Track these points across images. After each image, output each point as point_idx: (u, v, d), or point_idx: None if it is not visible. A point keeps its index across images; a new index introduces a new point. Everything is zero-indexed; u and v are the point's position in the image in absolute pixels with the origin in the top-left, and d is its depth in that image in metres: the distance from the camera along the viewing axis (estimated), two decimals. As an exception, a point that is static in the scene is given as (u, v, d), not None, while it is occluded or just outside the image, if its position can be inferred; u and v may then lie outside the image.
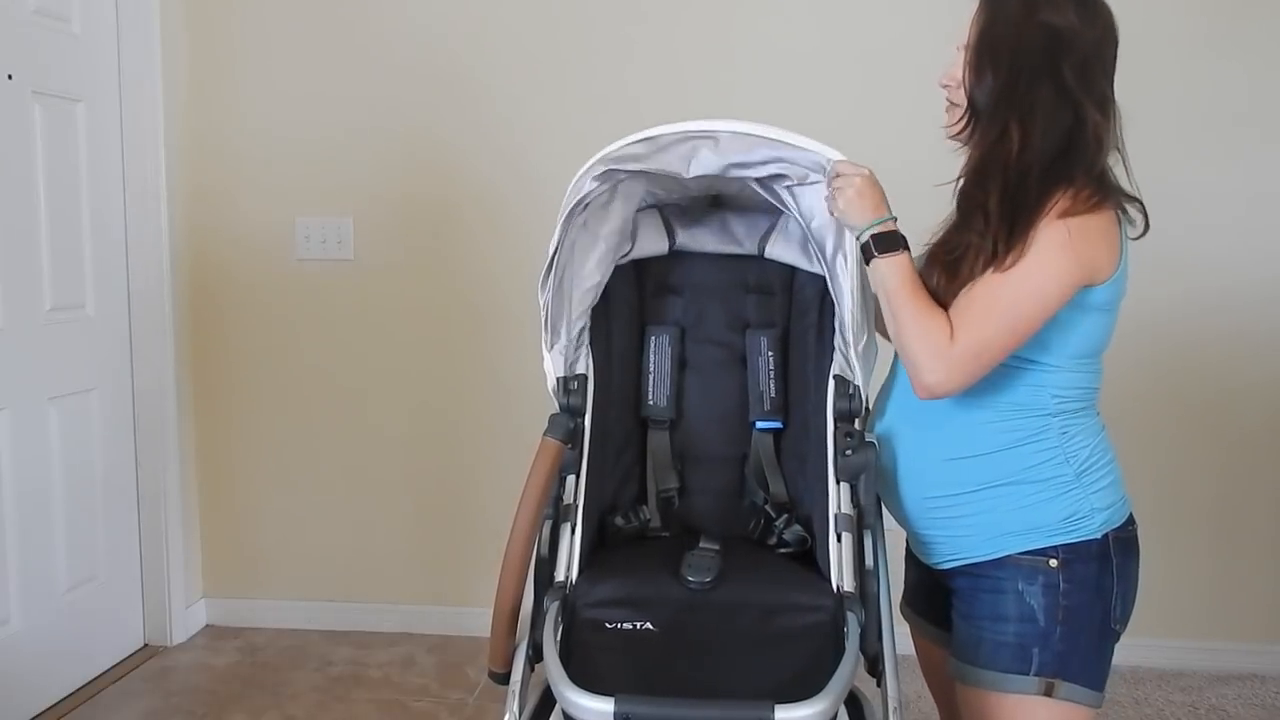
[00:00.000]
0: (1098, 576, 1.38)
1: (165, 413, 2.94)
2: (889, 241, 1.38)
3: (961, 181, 1.42)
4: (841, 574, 1.38)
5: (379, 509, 3.07)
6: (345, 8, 2.94)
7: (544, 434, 1.44)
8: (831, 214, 1.44)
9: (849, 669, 1.20)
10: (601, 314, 1.61)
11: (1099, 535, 1.38)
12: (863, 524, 1.42)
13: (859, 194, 1.39)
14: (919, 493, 1.46)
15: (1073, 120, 1.34)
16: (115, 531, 2.86)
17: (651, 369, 1.67)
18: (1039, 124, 1.34)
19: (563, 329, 1.54)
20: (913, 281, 1.37)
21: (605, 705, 1.12)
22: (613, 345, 1.65)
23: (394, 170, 2.95)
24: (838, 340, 1.49)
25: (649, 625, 1.33)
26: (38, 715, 2.56)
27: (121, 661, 2.87)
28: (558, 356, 1.55)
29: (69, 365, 2.67)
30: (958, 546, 1.44)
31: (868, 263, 1.40)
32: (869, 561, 1.40)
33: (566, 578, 1.43)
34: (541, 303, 1.52)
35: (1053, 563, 1.37)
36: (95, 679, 2.76)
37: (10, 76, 2.44)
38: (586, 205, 1.49)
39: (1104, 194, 1.33)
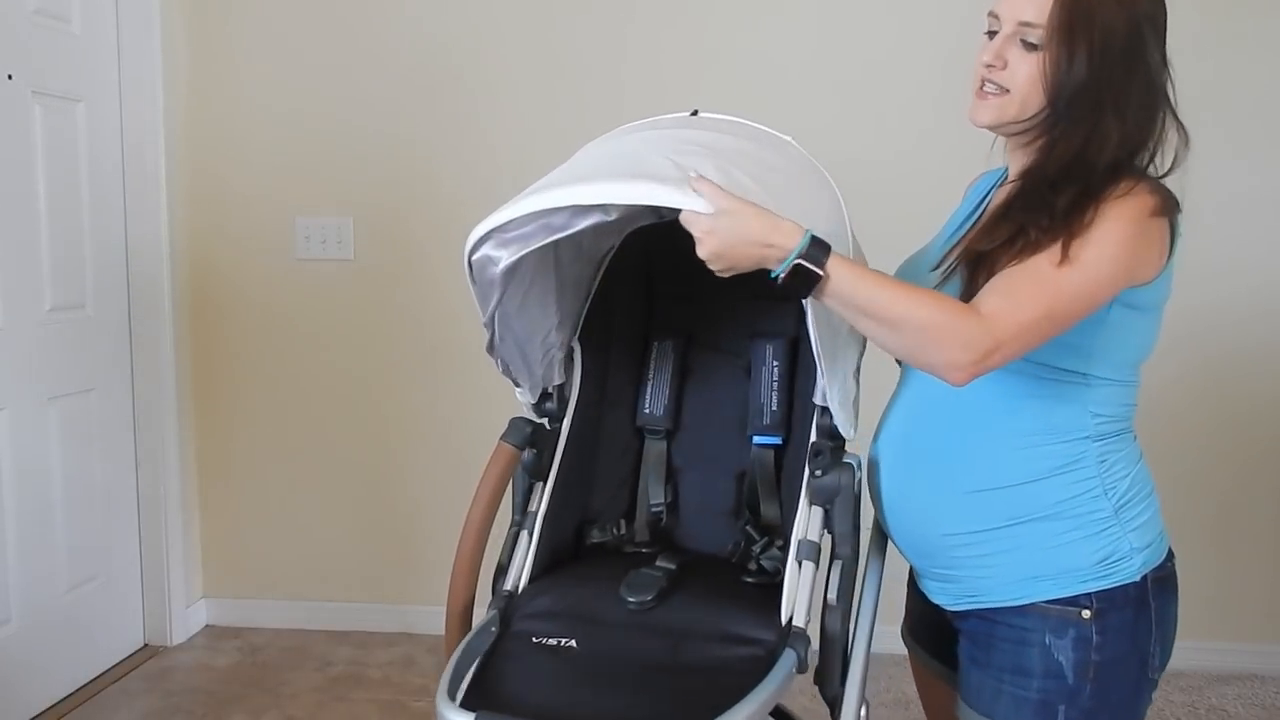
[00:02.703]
0: (1134, 625, 1.23)
1: (165, 413, 2.94)
2: (817, 256, 1.10)
3: (1023, 181, 1.26)
4: (794, 606, 1.26)
5: (379, 509, 3.07)
6: (345, 8, 2.94)
7: (500, 438, 1.42)
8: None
9: (751, 705, 1.11)
10: (604, 321, 1.57)
11: (1137, 578, 1.23)
12: (834, 553, 1.31)
13: (729, 245, 1.11)
14: (936, 529, 1.30)
15: (1156, 113, 1.23)
16: (115, 531, 2.86)
17: (651, 376, 1.61)
18: (1131, 119, 1.21)
19: (525, 377, 1.48)
20: (873, 275, 1.15)
21: (464, 719, 1.11)
22: (611, 352, 1.61)
23: (394, 170, 2.95)
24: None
25: (572, 643, 1.28)
26: (38, 715, 2.56)
27: (121, 661, 2.87)
28: (526, 393, 1.50)
29: (69, 365, 2.67)
30: (976, 589, 1.28)
31: (805, 295, 1.14)
32: (832, 596, 1.28)
33: (515, 586, 1.40)
34: (499, 367, 1.44)
35: (1085, 614, 1.21)
36: (95, 679, 2.76)
37: (10, 76, 2.44)
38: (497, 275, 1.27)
39: (1168, 197, 1.21)
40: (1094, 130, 1.20)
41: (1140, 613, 1.23)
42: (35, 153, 2.54)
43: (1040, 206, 1.18)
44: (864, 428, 1.40)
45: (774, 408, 1.53)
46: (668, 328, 1.64)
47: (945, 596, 1.33)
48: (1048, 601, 1.22)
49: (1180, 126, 1.25)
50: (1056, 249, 1.14)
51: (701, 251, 1.12)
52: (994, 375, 1.20)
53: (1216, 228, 2.74)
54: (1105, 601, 1.21)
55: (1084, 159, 1.20)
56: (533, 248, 1.20)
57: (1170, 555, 1.29)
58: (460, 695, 1.19)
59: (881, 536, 1.42)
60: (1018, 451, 1.24)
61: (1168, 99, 1.24)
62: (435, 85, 2.92)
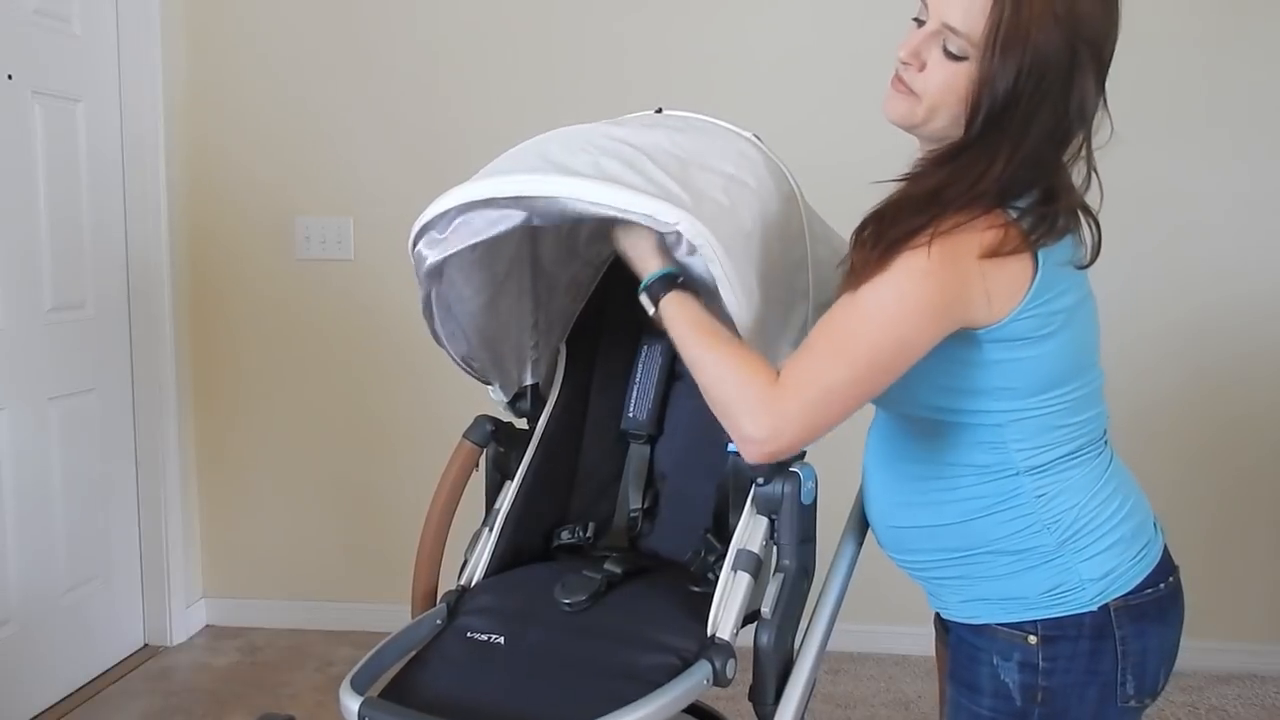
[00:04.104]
0: (1090, 655, 1.16)
1: (165, 413, 2.94)
2: (666, 283, 1.17)
3: (893, 195, 1.12)
4: (719, 617, 1.23)
5: (379, 508, 3.07)
6: (345, 8, 2.94)
7: (463, 434, 1.46)
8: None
9: (636, 713, 1.10)
10: (592, 324, 1.57)
11: (1093, 608, 1.15)
12: (776, 565, 1.27)
13: (625, 252, 1.22)
14: (895, 552, 1.30)
15: (1052, 154, 1.09)
16: (115, 531, 2.86)
17: (637, 380, 1.59)
18: (1024, 154, 1.07)
19: (497, 375, 1.48)
20: (704, 319, 1.14)
21: (352, 704, 1.15)
22: (598, 356, 1.60)
23: (394, 170, 2.95)
24: None
25: (500, 639, 1.30)
26: (38, 715, 2.56)
27: (121, 661, 2.87)
28: (498, 391, 1.51)
29: (69, 365, 2.67)
30: (940, 602, 1.28)
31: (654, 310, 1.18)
32: (766, 610, 1.24)
33: (468, 582, 1.44)
34: (457, 362, 1.44)
35: (1031, 639, 1.16)
36: (95, 679, 2.76)
37: (10, 76, 2.44)
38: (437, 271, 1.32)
39: (1025, 232, 1.07)
40: (993, 157, 1.06)
41: (1099, 642, 1.16)
42: (35, 153, 2.54)
43: (880, 233, 1.07)
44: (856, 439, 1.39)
45: None
46: (659, 330, 1.62)
47: (932, 601, 1.32)
48: (998, 624, 1.19)
49: (1093, 169, 1.12)
50: (853, 291, 1.06)
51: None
52: (909, 421, 1.20)
53: (1218, 229, 2.74)
54: (1054, 629, 1.16)
55: (961, 185, 1.07)
56: (453, 251, 1.24)
57: (1152, 581, 1.20)
58: (378, 682, 1.23)
59: (851, 550, 1.39)
60: (948, 492, 1.19)
61: (1079, 136, 1.10)
62: (435, 85, 2.92)
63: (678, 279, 1.17)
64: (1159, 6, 2.67)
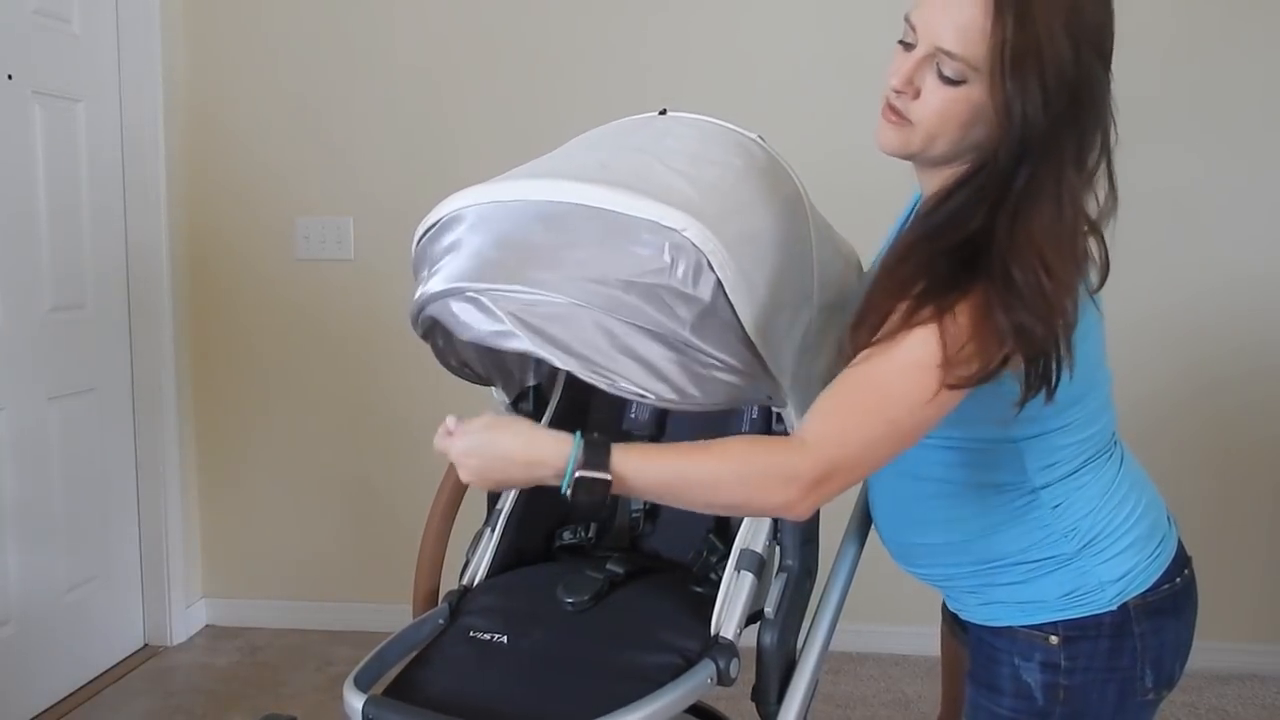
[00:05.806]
0: (1109, 654, 1.17)
1: (165, 413, 2.94)
2: (595, 459, 1.01)
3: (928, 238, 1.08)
4: (722, 617, 1.24)
5: (379, 508, 3.07)
6: (344, 8, 2.94)
7: None
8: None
9: (638, 712, 1.11)
10: None
11: (1112, 608, 1.16)
12: (780, 565, 1.28)
13: (488, 466, 1.06)
14: (909, 565, 1.31)
15: (1095, 156, 1.04)
16: (115, 531, 2.86)
17: None
18: (1081, 184, 1.03)
19: (499, 376, 1.47)
20: (666, 451, 1.07)
21: (356, 702, 1.15)
22: None
23: (394, 170, 2.95)
24: None
25: (503, 638, 1.30)
26: (38, 715, 2.56)
27: (121, 661, 2.87)
28: (500, 392, 1.50)
29: (69, 365, 2.67)
30: (957, 604, 1.30)
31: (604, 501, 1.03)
32: (770, 609, 1.25)
33: (470, 582, 1.45)
34: (454, 368, 1.42)
35: (1053, 639, 1.17)
36: (95, 679, 2.76)
37: (10, 76, 2.44)
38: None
39: None
40: (1063, 190, 1.01)
41: (1119, 640, 1.16)
42: (35, 153, 2.54)
43: (943, 285, 1.02)
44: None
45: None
46: None
47: (949, 603, 1.33)
48: (1019, 626, 1.19)
49: (1111, 183, 1.06)
50: (913, 339, 1.01)
51: (463, 476, 1.06)
52: (927, 449, 1.14)
53: (1214, 227, 2.74)
54: (1074, 630, 1.16)
55: (1024, 240, 1.01)
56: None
57: (1168, 576, 1.20)
58: (380, 680, 1.23)
59: (853, 552, 1.40)
60: (963, 510, 1.20)
61: (1106, 143, 1.04)
62: (436, 85, 2.92)
63: (595, 435, 1.03)
64: (1156, 5, 2.67)
